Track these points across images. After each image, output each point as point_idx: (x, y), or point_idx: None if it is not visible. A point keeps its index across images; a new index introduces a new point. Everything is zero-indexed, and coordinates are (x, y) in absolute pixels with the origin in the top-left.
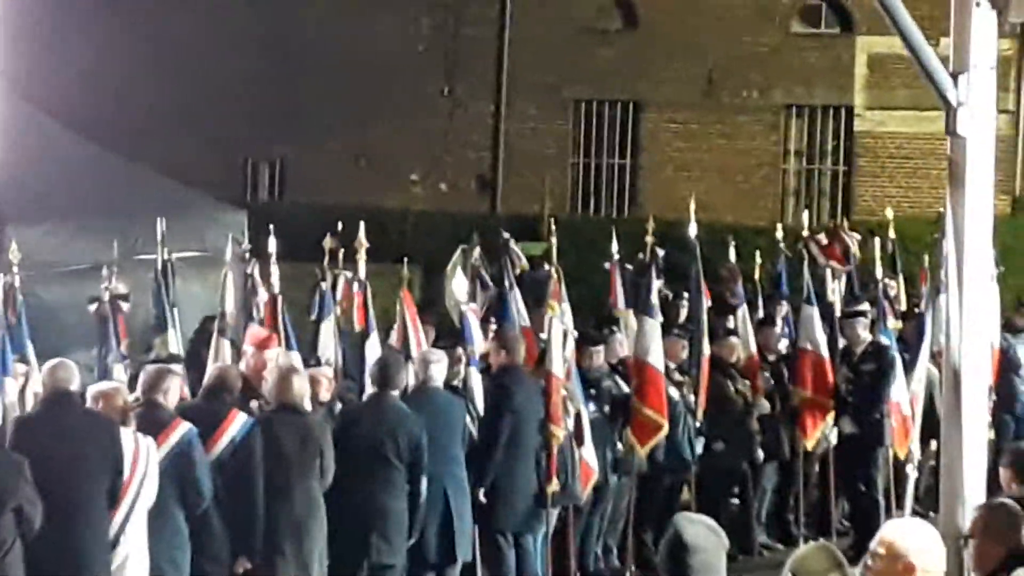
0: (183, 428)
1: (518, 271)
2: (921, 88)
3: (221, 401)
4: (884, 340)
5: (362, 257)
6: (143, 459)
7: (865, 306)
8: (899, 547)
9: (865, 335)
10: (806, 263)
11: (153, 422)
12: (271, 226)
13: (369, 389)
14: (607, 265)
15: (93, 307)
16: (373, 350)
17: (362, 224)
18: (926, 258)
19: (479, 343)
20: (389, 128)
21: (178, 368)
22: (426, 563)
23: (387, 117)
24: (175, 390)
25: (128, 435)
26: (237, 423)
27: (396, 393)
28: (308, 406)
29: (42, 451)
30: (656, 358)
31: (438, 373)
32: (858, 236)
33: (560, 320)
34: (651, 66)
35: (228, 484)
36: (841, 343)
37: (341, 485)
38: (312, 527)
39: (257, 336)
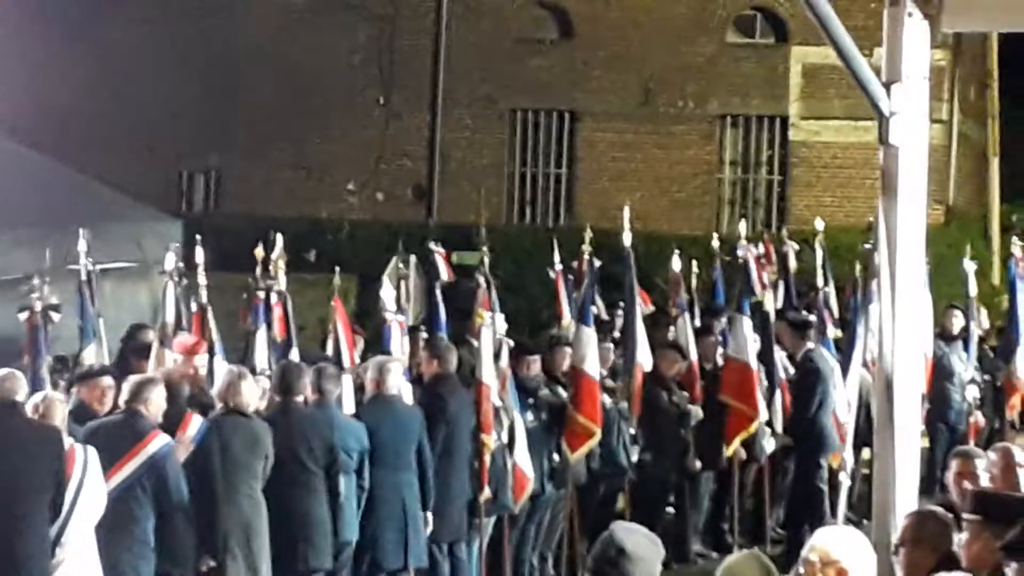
0: (161, 440)
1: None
2: (855, 98)
3: (174, 405)
4: (823, 350)
5: (281, 268)
6: (79, 469)
7: (812, 317)
8: (832, 553)
9: (808, 345)
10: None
11: (131, 431)
12: (199, 237)
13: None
14: (552, 274)
15: (24, 316)
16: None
17: (279, 236)
18: (858, 267)
19: (398, 353)
20: (325, 138)
21: (108, 380)
22: (380, 568)
23: (323, 127)
24: (158, 400)
25: (66, 445)
26: (193, 426)
27: (300, 399)
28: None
29: None
30: (592, 366)
31: (393, 381)
32: (796, 246)
33: (490, 328)
34: (587, 76)
35: (188, 486)
36: (784, 354)
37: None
38: (260, 528)
39: (184, 344)
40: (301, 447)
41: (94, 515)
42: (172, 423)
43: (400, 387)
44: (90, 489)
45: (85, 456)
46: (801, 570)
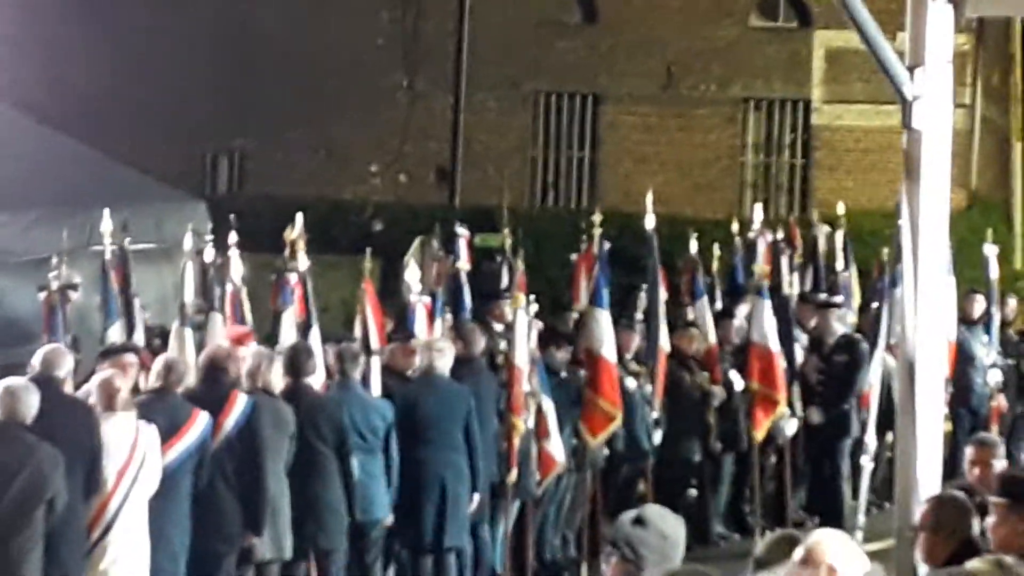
0: (204, 417)
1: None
2: (878, 82)
3: (220, 384)
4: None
5: (302, 248)
6: (141, 447)
7: (839, 298)
8: (818, 552)
9: (837, 326)
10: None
11: (176, 411)
12: (232, 217)
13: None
14: (574, 257)
15: (42, 296)
16: (315, 341)
17: (299, 216)
18: (884, 251)
19: (423, 335)
20: (349, 120)
21: (131, 357)
22: (421, 547)
23: (347, 109)
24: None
25: (129, 422)
26: (240, 404)
27: (309, 380)
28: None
29: None
30: (609, 349)
31: (442, 361)
32: (827, 228)
33: (525, 311)
34: (610, 59)
35: (236, 464)
36: (804, 337)
37: None
38: (283, 507)
39: (236, 333)
40: (309, 428)
41: (149, 492)
42: (217, 402)
43: (447, 366)
44: (150, 466)
45: (148, 433)
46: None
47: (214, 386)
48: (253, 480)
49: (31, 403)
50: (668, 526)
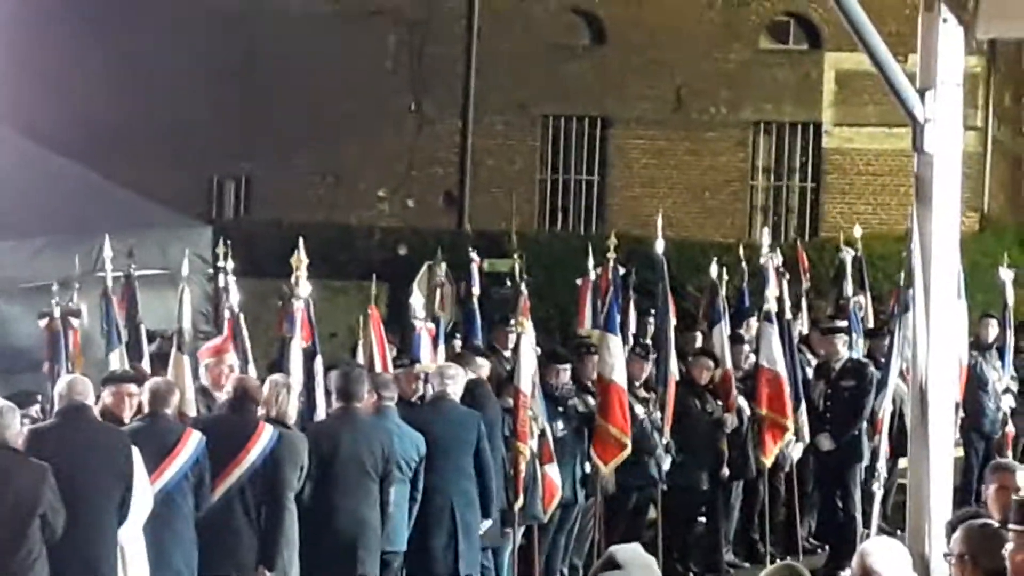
0: (196, 437)
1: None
2: (889, 105)
3: (248, 412)
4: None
5: (303, 274)
6: (136, 472)
7: (844, 323)
8: (873, 567)
9: (844, 351)
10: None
11: (166, 432)
12: (229, 243)
13: (335, 403)
14: (579, 281)
15: (43, 323)
16: (319, 368)
17: (301, 240)
18: (901, 275)
19: (428, 360)
20: (356, 144)
21: (133, 387)
22: (434, 575)
23: (354, 133)
24: (176, 403)
25: None
26: (267, 435)
27: (360, 405)
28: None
29: (55, 463)
30: (620, 376)
31: (454, 387)
32: (852, 251)
33: (529, 336)
34: (619, 82)
35: (257, 495)
36: (813, 360)
37: (324, 500)
38: (292, 538)
39: (213, 346)
40: (363, 454)
41: (143, 517)
42: (244, 431)
43: (458, 393)
44: (143, 494)
45: (138, 461)
46: None
47: (242, 415)
48: (272, 512)
49: (13, 425)
50: (642, 557)
